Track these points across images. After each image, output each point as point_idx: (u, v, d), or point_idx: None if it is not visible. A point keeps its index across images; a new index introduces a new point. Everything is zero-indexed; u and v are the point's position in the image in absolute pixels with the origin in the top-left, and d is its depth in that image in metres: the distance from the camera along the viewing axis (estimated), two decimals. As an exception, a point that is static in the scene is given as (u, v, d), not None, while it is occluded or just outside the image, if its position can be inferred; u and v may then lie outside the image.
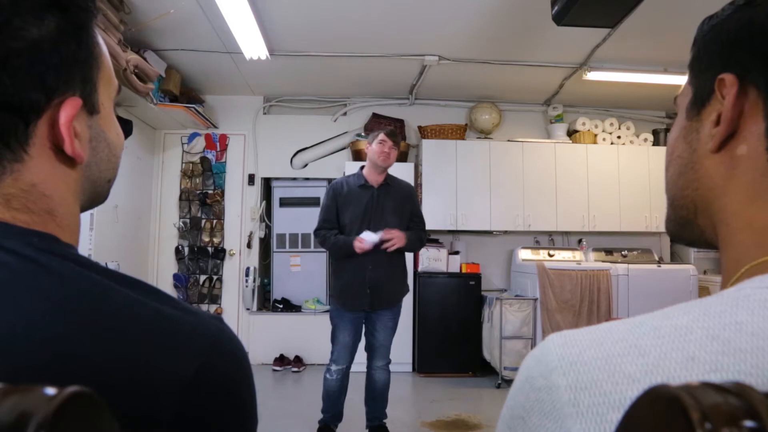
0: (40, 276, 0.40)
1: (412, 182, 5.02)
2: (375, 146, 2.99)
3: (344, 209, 3.02)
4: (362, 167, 3.12)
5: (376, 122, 5.29)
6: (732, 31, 0.43)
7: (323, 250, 4.20)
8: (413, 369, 5.01)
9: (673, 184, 0.49)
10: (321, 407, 3.11)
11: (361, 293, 2.95)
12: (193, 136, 5.42)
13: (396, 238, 2.91)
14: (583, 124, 5.48)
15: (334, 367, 3.02)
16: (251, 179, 5.47)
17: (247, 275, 5.29)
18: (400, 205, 3.06)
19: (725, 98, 0.42)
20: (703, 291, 4.85)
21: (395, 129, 3.11)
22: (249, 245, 5.40)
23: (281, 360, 5.04)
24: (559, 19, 2.98)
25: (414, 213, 3.12)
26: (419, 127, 5.39)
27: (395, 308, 3.06)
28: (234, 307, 5.31)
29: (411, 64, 4.59)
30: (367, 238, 2.89)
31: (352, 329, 3.01)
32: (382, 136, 2.99)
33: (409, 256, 4.94)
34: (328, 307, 4.42)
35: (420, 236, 3.10)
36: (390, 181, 3.08)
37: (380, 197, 3.03)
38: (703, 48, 0.46)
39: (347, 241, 2.93)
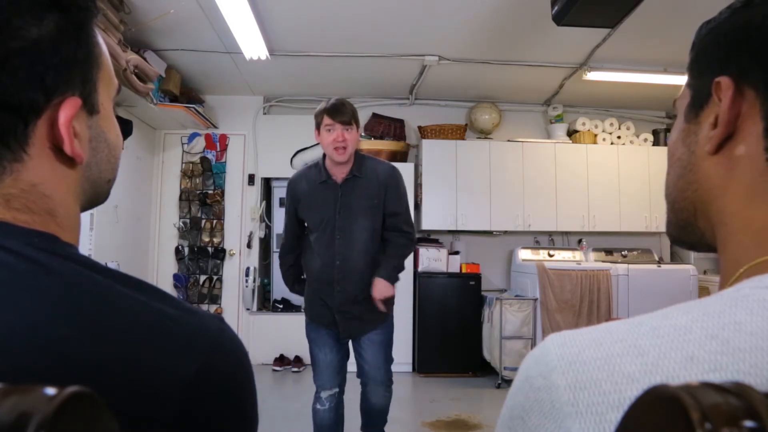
0: (41, 276, 0.40)
1: (411, 182, 5.02)
2: (323, 133, 2.27)
3: (306, 212, 2.41)
4: (325, 156, 2.41)
5: (376, 122, 5.30)
6: (729, 34, 0.43)
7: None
8: (413, 369, 5.01)
9: (673, 186, 0.49)
10: None
11: (329, 319, 2.35)
12: (193, 136, 5.42)
13: (378, 288, 2.28)
14: (583, 124, 5.48)
15: (323, 394, 2.38)
16: (251, 179, 5.47)
17: (247, 275, 5.29)
18: (370, 201, 2.34)
19: (722, 101, 0.42)
20: (703, 291, 4.85)
21: (340, 101, 2.30)
22: (249, 245, 5.40)
23: (281, 360, 5.04)
24: (559, 19, 2.98)
25: (390, 208, 2.36)
26: (419, 127, 5.39)
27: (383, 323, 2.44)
28: (234, 307, 5.31)
29: (411, 64, 4.59)
30: None
31: (333, 343, 2.38)
32: (325, 119, 2.25)
33: (409, 256, 4.95)
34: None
35: (401, 246, 2.39)
36: (358, 172, 2.33)
37: (345, 196, 2.33)
38: (701, 51, 0.46)
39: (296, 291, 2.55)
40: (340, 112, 2.26)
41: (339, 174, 2.35)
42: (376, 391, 2.45)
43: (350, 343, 2.45)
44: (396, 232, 2.41)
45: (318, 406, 2.41)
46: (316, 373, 2.42)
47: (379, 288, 2.30)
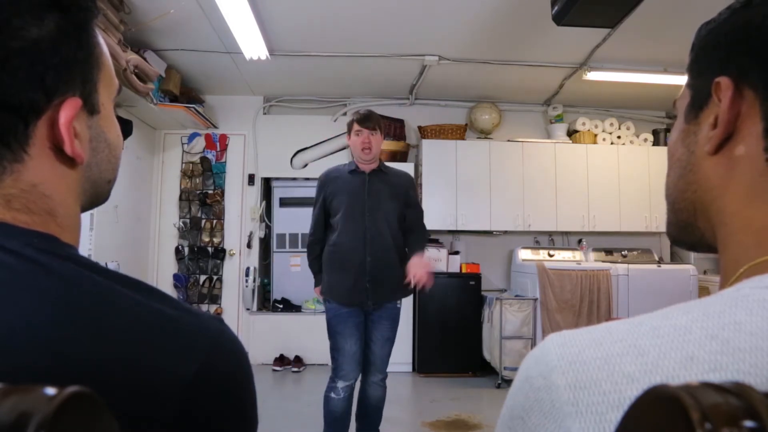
0: (41, 276, 0.40)
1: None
2: (353, 137, 2.73)
3: (334, 197, 2.74)
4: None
5: (376, 122, 5.29)
6: (729, 34, 0.43)
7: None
8: (413, 369, 5.01)
9: (673, 187, 0.49)
10: (323, 431, 2.70)
11: (360, 286, 2.64)
12: (193, 136, 5.42)
13: (420, 273, 2.54)
14: (583, 124, 5.48)
15: (341, 384, 2.61)
16: (251, 179, 5.47)
17: (247, 275, 5.29)
18: (395, 190, 2.77)
19: (721, 101, 0.42)
20: (703, 291, 4.85)
21: (368, 112, 2.78)
22: (249, 245, 5.40)
23: (281, 360, 5.04)
24: (559, 19, 2.98)
25: (412, 205, 2.83)
26: (419, 127, 5.39)
27: (394, 312, 2.75)
28: (234, 307, 5.31)
29: (411, 64, 4.59)
30: None
31: (357, 334, 2.64)
32: (355, 126, 2.70)
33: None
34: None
35: (423, 232, 2.83)
36: (384, 169, 2.81)
37: (373, 182, 2.74)
38: (701, 51, 0.47)
39: (316, 279, 2.82)
40: (367, 120, 2.72)
41: (367, 168, 2.77)
42: (374, 377, 2.73)
43: (365, 336, 2.73)
44: (416, 221, 2.83)
45: (333, 395, 2.64)
46: (340, 363, 2.64)
47: (419, 267, 2.60)
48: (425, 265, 2.60)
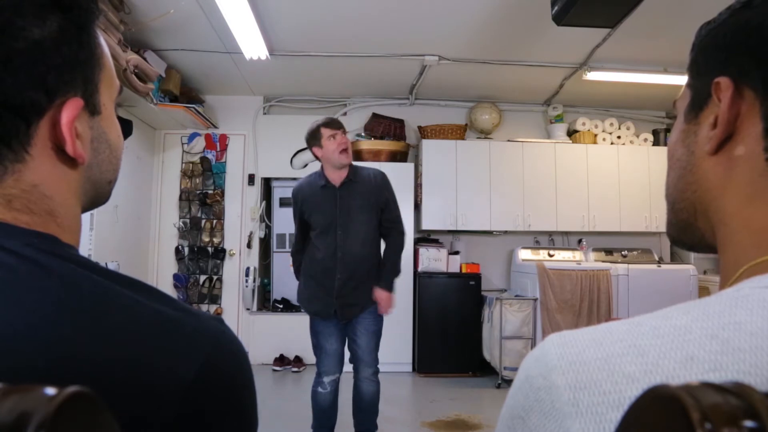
0: (41, 277, 0.40)
1: (411, 182, 5.02)
2: (326, 144, 2.60)
3: (310, 215, 2.74)
4: (322, 168, 2.77)
5: (376, 122, 5.29)
6: (729, 34, 0.43)
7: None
8: (413, 369, 5.01)
9: (673, 187, 0.49)
10: (312, 424, 2.83)
11: (328, 303, 2.68)
12: (193, 136, 5.42)
13: (383, 303, 2.67)
14: (583, 124, 5.48)
15: (326, 379, 2.74)
16: (251, 179, 5.47)
17: (247, 275, 5.29)
18: (366, 200, 2.71)
19: (721, 101, 0.42)
20: (703, 291, 4.85)
21: (330, 117, 2.77)
22: (249, 245, 5.40)
23: (281, 360, 5.04)
24: (559, 19, 2.98)
25: (385, 207, 2.74)
26: (419, 127, 5.39)
27: (375, 307, 2.75)
28: (234, 307, 5.31)
29: (411, 64, 4.59)
30: None
31: (337, 333, 2.73)
32: (326, 130, 2.59)
33: (408, 256, 4.97)
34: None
35: (396, 243, 2.77)
36: (353, 177, 2.70)
37: (344, 197, 2.69)
38: (701, 52, 0.47)
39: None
40: (336, 122, 2.67)
41: (337, 179, 2.71)
42: (365, 373, 2.77)
43: (348, 332, 2.79)
44: (391, 224, 2.78)
45: (320, 390, 2.76)
46: (321, 361, 2.75)
47: (384, 301, 2.70)
48: (389, 299, 2.71)
